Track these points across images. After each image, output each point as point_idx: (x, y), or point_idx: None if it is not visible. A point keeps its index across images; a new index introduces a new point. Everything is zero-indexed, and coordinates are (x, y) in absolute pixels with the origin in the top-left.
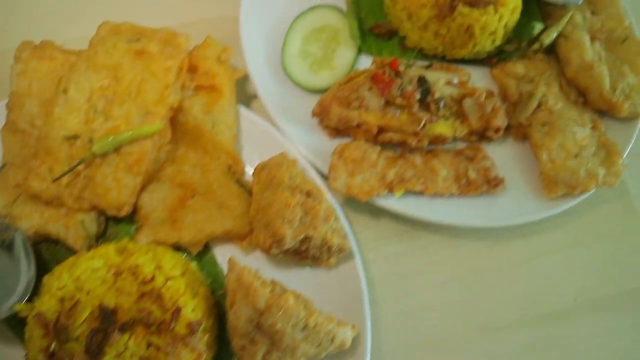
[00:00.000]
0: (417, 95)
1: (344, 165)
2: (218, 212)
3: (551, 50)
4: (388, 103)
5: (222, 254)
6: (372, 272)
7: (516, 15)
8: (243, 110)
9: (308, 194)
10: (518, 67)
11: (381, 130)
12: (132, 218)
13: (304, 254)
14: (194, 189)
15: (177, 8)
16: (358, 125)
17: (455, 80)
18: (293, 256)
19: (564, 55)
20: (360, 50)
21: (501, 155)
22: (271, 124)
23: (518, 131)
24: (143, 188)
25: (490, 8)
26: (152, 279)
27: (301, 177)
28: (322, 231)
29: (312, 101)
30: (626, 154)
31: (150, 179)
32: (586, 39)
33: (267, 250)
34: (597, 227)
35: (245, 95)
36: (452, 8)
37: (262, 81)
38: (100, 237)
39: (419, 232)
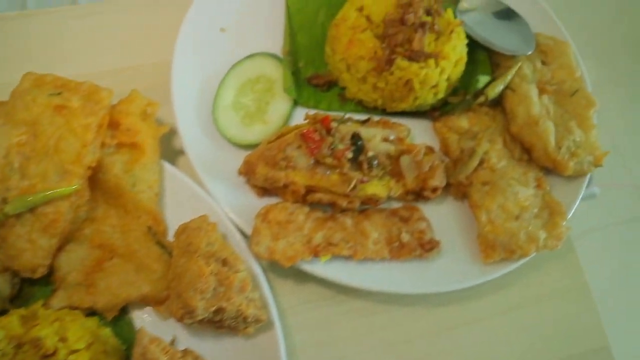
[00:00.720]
0: (349, 154)
1: (268, 229)
2: (136, 275)
3: (497, 103)
4: (317, 162)
5: (140, 318)
6: (294, 339)
7: (460, 67)
8: (168, 167)
9: (224, 262)
10: (462, 121)
11: (310, 190)
12: (48, 279)
13: (219, 323)
14: (113, 250)
15: (112, 53)
16: (285, 186)
17: (393, 137)
18: (208, 325)
19: (510, 109)
20: (295, 103)
21: (439, 215)
22: (197, 182)
23: (458, 190)
24: (60, 248)
25: (431, 61)
26: (54, 352)
27: (220, 242)
28: (236, 302)
29: (242, 157)
30: (572, 213)
31: (67, 239)
32: (534, 92)
33: (179, 320)
34: (541, 288)
35: (172, 151)
36: (390, 62)
37: (191, 135)
38: (15, 299)
39: (346, 297)
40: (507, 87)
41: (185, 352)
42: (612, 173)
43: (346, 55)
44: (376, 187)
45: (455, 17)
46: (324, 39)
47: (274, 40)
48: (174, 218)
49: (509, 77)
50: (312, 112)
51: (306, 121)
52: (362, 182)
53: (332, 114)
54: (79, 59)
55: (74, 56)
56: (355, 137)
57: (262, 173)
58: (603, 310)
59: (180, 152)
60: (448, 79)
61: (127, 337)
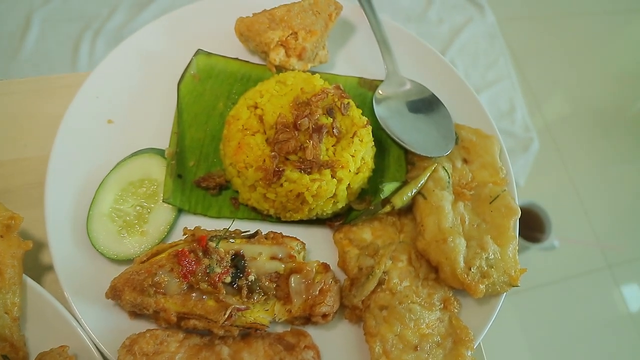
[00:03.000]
0: (227, 279)
1: None
2: None
3: (410, 208)
4: (192, 287)
5: None
6: None
7: (365, 174)
8: (32, 285)
9: None
10: (364, 233)
11: (183, 317)
12: None
13: None
14: None
15: None
16: (156, 312)
17: (282, 254)
18: None
19: (420, 219)
20: (180, 211)
21: (331, 342)
22: (64, 302)
23: (353, 313)
24: None
25: (326, 172)
26: None
27: None
28: None
29: (118, 273)
30: (480, 339)
31: None
32: (447, 200)
33: None
34: None
35: (41, 264)
36: (278, 173)
37: (62, 248)
38: None
39: None
40: (419, 193)
41: None
42: (573, 224)
43: (234, 160)
44: (258, 314)
45: (372, 103)
46: (221, 133)
47: (166, 135)
48: (37, 342)
49: (421, 182)
50: (191, 227)
51: (184, 237)
52: (239, 310)
53: (215, 229)
54: None
55: None
56: (237, 258)
57: (129, 299)
58: None
59: (50, 266)
60: (349, 187)
61: None
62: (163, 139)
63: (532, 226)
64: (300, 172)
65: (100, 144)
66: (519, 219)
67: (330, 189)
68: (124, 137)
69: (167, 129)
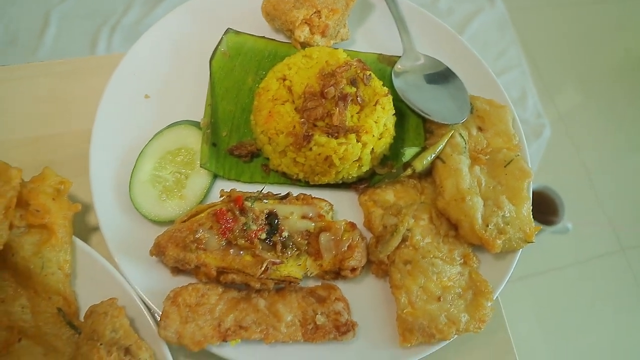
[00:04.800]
0: (263, 235)
1: (177, 312)
2: (44, 358)
3: (429, 172)
4: (230, 243)
5: None
6: None
7: (386, 140)
8: (80, 245)
9: (127, 351)
10: (387, 195)
11: (222, 271)
12: None
13: None
14: (22, 332)
15: (30, 120)
16: (197, 267)
17: (312, 214)
18: None
19: (439, 181)
20: (215, 176)
21: (359, 294)
22: (111, 259)
23: (379, 268)
24: None
25: (352, 136)
26: None
27: (124, 329)
28: None
29: (159, 234)
30: (499, 291)
31: None
32: (465, 163)
33: None
34: None
35: (88, 226)
36: (308, 138)
37: (106, 211)
38: None
39: None
40: (437, 158)
41: None
42: (586, 208)
43: (266, 128)
44: (291, 268)
45: (391, 78)
46: (251, 106)
47: (200, 108)
48: (87, 297)
49: (439, 147)
50: (232, 186)
51: (221, 199)
52: (274, 264)
53: (252, 189)
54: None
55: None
56: (271, 217)
57: (172, 255)
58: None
59: (96, 228)
60: (372, 152)
61: None
62: (196, 113)
63: (545, 209)
64: (328, 136)
65: (138, 117)
66: (532, 203)
67: (356, 152)
68: (160, 110)
69: (199, 103)
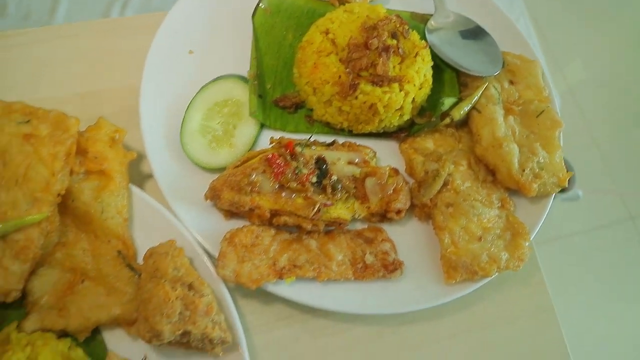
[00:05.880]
0: (313, 179)
1: (234, 252)
2: (107, 297)
3: (465, 123)
4: (282, 187)
5: (112, 338)
6: (260, 357)
7: (426, 90)
8: (136, 191)
9: (190, 287)
10: (427, 143)
11: (275, 214)
12: (21, 303)
13: (186, 345)
14: (84, 274)
15: (79, 77)
16: (251, 210)
17: (358, 159)
18: (177, 346)
19: (475, 130)
20: (262, 126)
21: (403, 236)
22: (166, 205)
23: (422, 211)
24: (32, 272)
25: (395, 85)
26: None
27: (186, 267)
28: (201, 325)
29: (210, 180)
30: (535, 233)
31: (39, 263)
32: (499, 113)
33: (147, 342)
34: (504, 309)
35: (142, 174)
36: (354, 86)
37: (159, 160)
38: None
39: (310, 316)
40: (473, 108)
41: None
42: (596, 178)
43: (311, 79)
44: (340, 210)
45: (424, 35)
46: (292, 60)
47: (243, 63)
48: (144, 241)
49: (475, 98)
50: (277, 136)
51: (271, 145)
52: (325, 205)
53: (298, 137)
54: (45, 82)
55: (41, 79)
56: (320, 161)
57: (227, 198)
58: (565, 327)
59: (149, 176)
60: (413, 101)
61: (99, 357)
62: (238, 68)
63: None
64: (373, 85)
65: (183, 72)
66: None
67: (399, 101)
68: (204, 65)
69: (241, 58)
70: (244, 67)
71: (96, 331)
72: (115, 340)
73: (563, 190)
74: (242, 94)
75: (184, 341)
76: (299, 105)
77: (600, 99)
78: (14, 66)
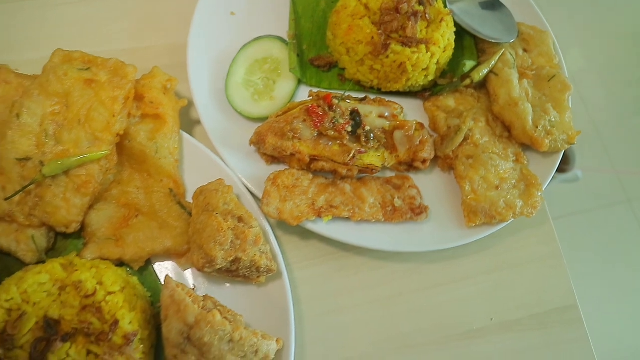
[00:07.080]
0: (349, 128)
1: (277, 192)
2: (159, 231)
3: (482, 85)
4: (321, 134)
5: (162, 270)
6: (299, 290)
7: (449, 52)
8: (186, 136)
9: (240, 219)
10: (449, 101)
11: (314, 159)
12: (80, 234)
13: (235, 272)
14: (138, 209)
15: (126, 35)
16: (292, 155)
17: (387, 113)
18: (226, 274)
19: (493, 91)
20: (299, 82)
21: (428, 184)
22: (212, 150)
23: (444, 162)
24: (91, 207)
25: (422, 47)
26: (94, 293)
27: (235, 203)
28: (250, 254)
29: (253, 129)
30: (546, 185)
31: (97, 199)
32: (515, 76)
33: (200, 269)
34: (518, 253)
35: (190, 122)
36: (386, 46)
37: (206, 109)
38: (50, 251)
39: (345, 254)
40: (491, 71)
41: (205, 297)
42: (594, 158)
43: (346, 40)
44: (372, 158)
45: (445, 7)
46: (325, 25)
47: (280, 24)
48: (192, 182)
49: (492, 62)
50: (315, 90)
51: (310, 98)
52: (359, 152)
53: (333, 92)
54: (94, 38)
55: (89, 36)
56: (354, 113)
57: (271, 143)
58: (572, 273)
59: (197, 123)
60: (437, 63)
61: (151, 285)
62: (276, 29)
63: None
64: (402, 46)
65: (227, 31)
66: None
67: (425, 61)
68: (246, 26)
69: (278, 20)
70: (281, 29)
71: (148, 263)
72: (166, 272)
73: (564, 172)
74: (279, 53)
75: (232, 269)
76: (332, 65)
77: (600, 85)
78: (62, 23)
